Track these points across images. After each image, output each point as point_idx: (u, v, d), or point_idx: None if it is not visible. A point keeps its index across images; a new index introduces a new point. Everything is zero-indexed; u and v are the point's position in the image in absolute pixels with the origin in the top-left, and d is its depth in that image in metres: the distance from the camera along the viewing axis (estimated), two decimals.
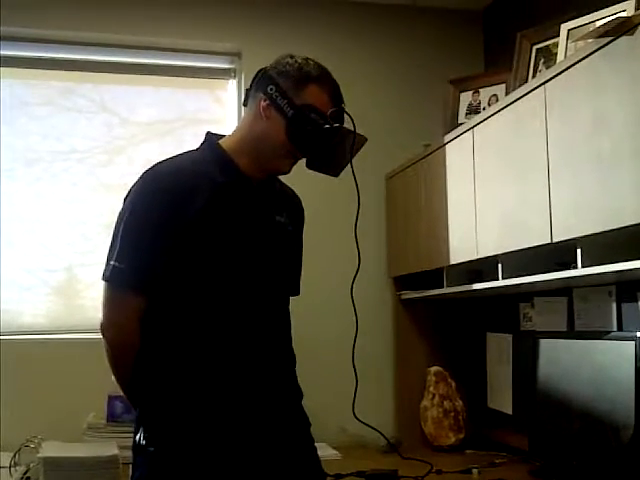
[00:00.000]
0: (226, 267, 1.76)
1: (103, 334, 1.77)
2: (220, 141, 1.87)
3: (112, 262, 1.73)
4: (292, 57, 1.83)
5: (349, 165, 1.87)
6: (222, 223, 1.76)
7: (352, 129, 1.81)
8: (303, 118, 1.76)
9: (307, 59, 1.84)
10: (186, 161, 1.83)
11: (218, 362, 1.74)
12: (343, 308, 2.78)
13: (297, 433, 1.85)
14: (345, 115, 1.82)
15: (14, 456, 2.53)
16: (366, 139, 1.84)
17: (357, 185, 1.87)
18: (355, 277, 1.97)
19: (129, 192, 1.80)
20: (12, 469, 2.48)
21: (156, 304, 1.76)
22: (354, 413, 2.06)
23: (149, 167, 1.81)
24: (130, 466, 2.59)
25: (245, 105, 1.89)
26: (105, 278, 1.75)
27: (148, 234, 1.73)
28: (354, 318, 2.06)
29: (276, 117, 1.78)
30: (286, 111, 1.76)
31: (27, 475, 2.45)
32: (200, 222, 1.73)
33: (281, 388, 1.84)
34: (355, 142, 1.82)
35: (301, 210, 2.03)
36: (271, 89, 1.78)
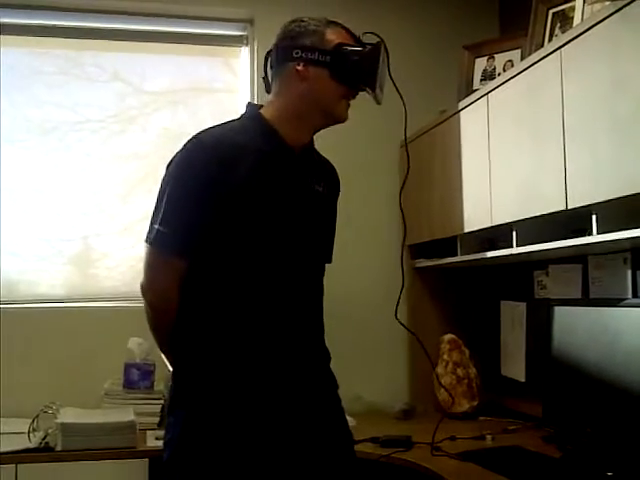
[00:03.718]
0: (266, 235, 1.80)
1: (144, 295, 1.83)
2: (261, 111, 1.90)
3: (156, 226, 1.78)
4: (295, 21, 1.88)
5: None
6: (264, 192, 1.80)
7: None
8: (342, 56, 1.81)
9: (306, 17, 1.89)
10: (229, 131, 1.86)
11: (250, 326, 1.78)
12: (358, 277, 2.80)
13: (325, 394, 1.91)
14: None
15: (33, 422, 2.56)
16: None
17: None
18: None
19: (172, 160, 1.83)
20: (31, 435, 2.52)
21: (196, 270, 1.80)
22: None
23: (192, 135, 1.84)
24: (147, 432, 2.65)
25: (269, 92, 1.92)
26: (149, 241, 1.79)
27: (191, 202, 1.77)
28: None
29: (315, 71, 1.82)
30: (323, 60, 1.81)
31: (45, 440, 2.49)
32: (242, 191, 1.77)
33: (310, 351, 1.89)
34: (387, 56, 1.88)
35: (337, 180, 2.07)
36: (297, 53, 1.82)
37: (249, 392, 1.76)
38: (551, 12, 2.56)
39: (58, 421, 2.51)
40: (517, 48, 2.84)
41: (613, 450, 2.20)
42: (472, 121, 2.71)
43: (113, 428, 2.49)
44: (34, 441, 2.49)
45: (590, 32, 1.99)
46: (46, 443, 2.48)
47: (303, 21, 1.87)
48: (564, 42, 2.11)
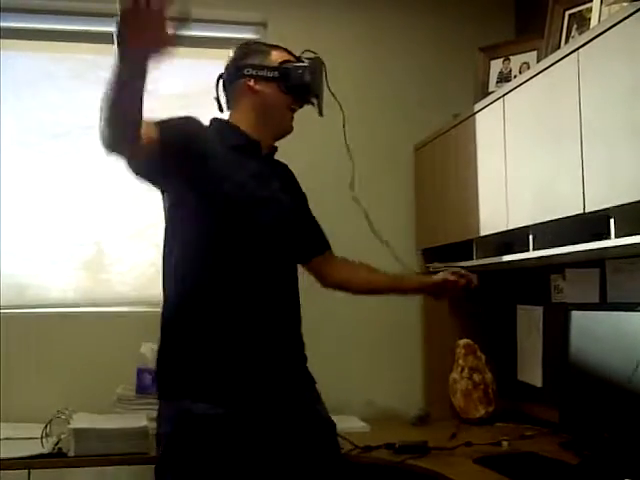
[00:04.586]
0: (232, 229, 1.92)
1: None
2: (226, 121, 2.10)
3: None
4: (242, 45, 2.15)
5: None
6: (233, 183, 1.93)
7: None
8: (287, 70, 2.06)
9: (253, 42, 2.24)
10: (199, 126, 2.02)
11: (226, 323, 1.89)
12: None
13: (302, 392, 2.03)
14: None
15: (45, 427, 2.56)
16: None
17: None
18: None
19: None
20: (44, 440, 2.52)
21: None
22: None
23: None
24: None
25: (221, 111, 2.14)
26: None
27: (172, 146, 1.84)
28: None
29: (264, 85, 2.05)
30: (270, 75, 2.05)
31: (58, 446, 2.49)
32: (213, 178, 1.91)
33: (284, 350, 2.00)
34: (325, 71, 2.11)
35: (295, 179, 2.25)
36: (247, 70, 2.06)
37: (225, 393, 1.87)
38: (567, 13, 2.54)
39: (71, 426, 2.51)
40: (533, 50, 2.81)
41: (631, 456, 2.17)
42: (488, 124, 2.69)
43: (126, 433, 2.49)
44: (47, 446, 2.49)
45: (608, 33, 1.96)
46: (59, 448, 2.49)
47: (249, 44, 2.16)
48: (581, 43, 2.09)
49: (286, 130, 2.12)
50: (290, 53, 2.13)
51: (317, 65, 2.10)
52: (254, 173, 2.01)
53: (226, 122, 2.09)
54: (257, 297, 1.94)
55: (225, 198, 1.92)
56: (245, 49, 2.12)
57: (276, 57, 2.09)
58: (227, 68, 2.13)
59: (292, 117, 2.11)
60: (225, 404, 1.84)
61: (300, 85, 2.07)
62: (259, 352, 1.92)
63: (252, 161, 2.03)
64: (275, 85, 2.06)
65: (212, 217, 1.92)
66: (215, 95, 2.15)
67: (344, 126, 2.19)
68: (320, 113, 2.12)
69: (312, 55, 2.12)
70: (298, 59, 2.12)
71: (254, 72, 2.06)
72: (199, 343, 1.88)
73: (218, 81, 2.15)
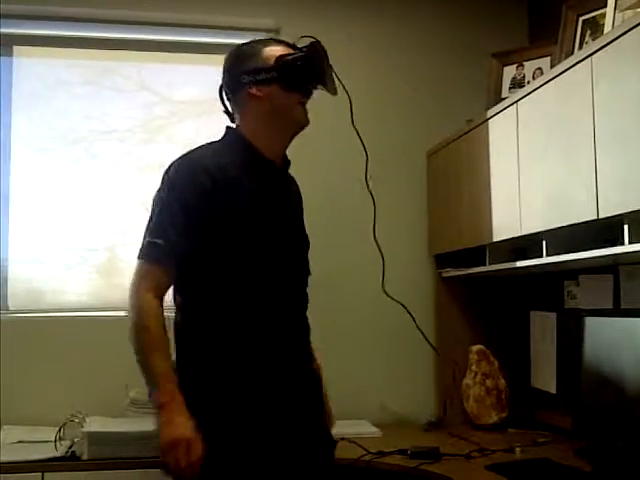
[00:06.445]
0: (259, 248, 1.91)
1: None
2: (239, 130, 2.03)
3: (153, 240, 1.91)
4: (232, 51, 2.04)
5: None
6: (253, 206, 1.92)
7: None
8: (285, 67, 1.94)
9: (241, 43, 2.05)
10: (212, 152, 1.97)
11: (248, 332, 1.90)
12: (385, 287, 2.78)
13: (311, 388, 2.05)
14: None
15: (59, 431, 2.57)
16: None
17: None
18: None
19: (163, 178, 1.97)
20: (57, 443, 2.53)
21: (195, 282, 1.91)
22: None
23: (179, 156, 1.97)
24: None
25: (233, 121, 2.05)
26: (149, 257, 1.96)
27: (183, 216, 1.87)
28: (396, 296, 2.07)
29: (267, 88, 1.95)
30: (270, 76, 1.94)
31: (72, 449, 2.50)
32: (235, 208, 1.88)
33: (299, 352, 2.03)
34: (325, 52, 1.99)
35: (300, 193, 2.20)
36: (244, 78, 1.96)
37: (250, 393, 1.87)
38: (581, 19, 2.53)
39: (84, 430, 2.52)
40: (547, 56, 2.81)
41: None
42: (501, 130, 2.68)
43: (139, 437, 2.49)
44: (60, 450, 2.51)
45: (621, 39, 1.96)
46: (72, 452, 2.50)
47: (240, 48, 2.02)
48: (595, 49, 2.08)
49: (302, 125, 2.02)
50: (282, 42, 2.02)
51: (315, 48, 1.97)
52: (271, 194, 1.98)
53: (240, 136, 2.01)
54: (276, 312, 1.95)
55: (247, 221, 1.90)
56: (236, 54, 2.02)
57: (269, 54, 1.96)
58: (224, 79, 2.04)
59: (305, 110, 2.01)
60: (251, 407, 1.87)
61: (302, 78, 1.96)
62: (278, 356, 1.93)
63: (267, 178, 1.99)
64: (277, 86, 1.94)
65: (237, 239, 1.89)
66: (223, 108, 2.07)
67: (351, 110, 2.06)
68: (333, 93, 2.02)
69: (307, 40, 1.98)
70: (293, 46, 2.00)
71: (252, 78, 1.95)
72: (217, 357, 1.90)
73: (221, 92, 2.06)
